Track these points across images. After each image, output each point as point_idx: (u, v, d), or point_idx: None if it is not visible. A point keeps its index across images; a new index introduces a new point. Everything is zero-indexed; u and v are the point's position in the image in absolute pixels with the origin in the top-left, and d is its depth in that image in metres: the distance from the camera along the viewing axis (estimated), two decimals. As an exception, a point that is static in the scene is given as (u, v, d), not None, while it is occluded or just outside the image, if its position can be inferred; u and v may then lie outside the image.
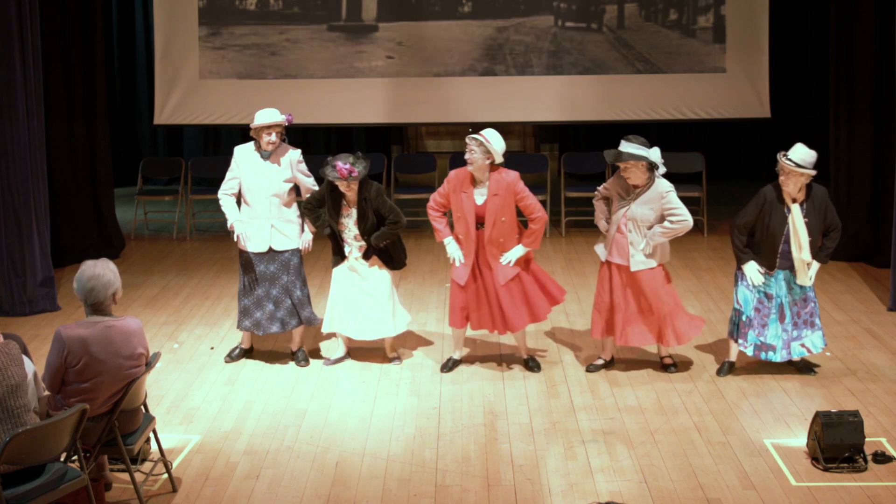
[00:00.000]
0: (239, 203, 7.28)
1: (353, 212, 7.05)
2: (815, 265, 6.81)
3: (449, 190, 6.97)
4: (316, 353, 7.60)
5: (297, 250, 7.26)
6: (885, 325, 8.09)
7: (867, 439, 5.82)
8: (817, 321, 6.98)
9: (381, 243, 7.04)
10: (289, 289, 7.23)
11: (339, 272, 7.22)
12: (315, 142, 13.62)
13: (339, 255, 7.21)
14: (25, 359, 5.36)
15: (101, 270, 5.16)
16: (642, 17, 11.59)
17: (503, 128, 7.64)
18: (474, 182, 6.90)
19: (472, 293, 7.04)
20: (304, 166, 7.27)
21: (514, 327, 7.03)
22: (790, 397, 6.68)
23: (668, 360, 7.20)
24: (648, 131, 12.51)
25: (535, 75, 11.60)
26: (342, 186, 6.93)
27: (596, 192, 7.14)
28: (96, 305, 5.16)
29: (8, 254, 8.51)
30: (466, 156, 6.83)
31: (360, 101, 11.64)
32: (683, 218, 6.76)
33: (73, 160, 10.24)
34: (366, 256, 7.11)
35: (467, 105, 11.54)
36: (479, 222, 6.91)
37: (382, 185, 7.14)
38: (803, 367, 7.08)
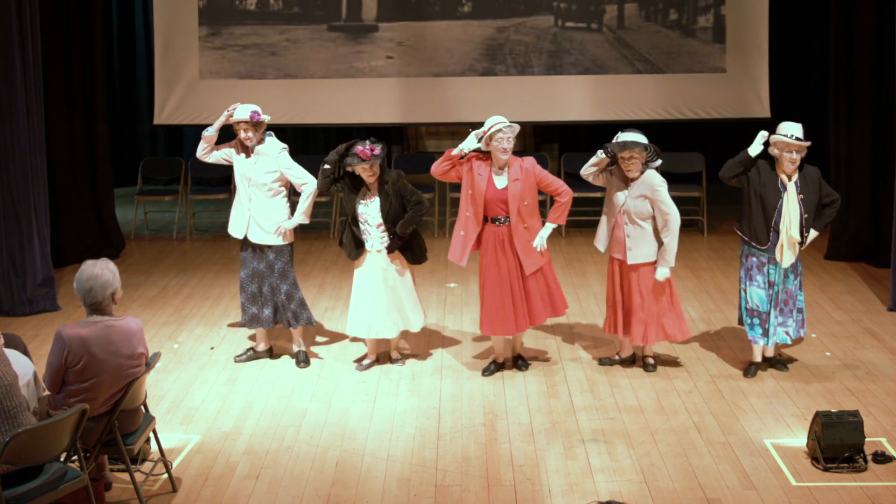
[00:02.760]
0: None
1: (376, 199, 6.95)
2: (813, 233, 6.86)
3: (465, 166, 6.89)
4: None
5: (282, 250, 7.22)
6: (885, 325, 8.08)
7: (867, 439, 5.82)
8: (797, 313, 6.99)
9: (408, 229, 6.98)
10: (274, 288, 7.25)
11: (359, 274, 7.13)
12: (315, 142, 13.62)
13: (360, 248, 7.07)
14: (25, 359, 5.37)
15: (100, 271, 5.15)
16: (642, 17, 11.59)
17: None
18: (492, 168, 6.87)
19: (506, 295, 6.93)
20: (286, 160, 7.19)
21: (536, 320, 7.02)
22: (790, 397, 6.68)
23: (649, 360, 7.20)
24: (648, 131, 12.51)
25: (535, 75, 11.60)
26: (365, 173, 6.84)
27: (599, 161, 6.93)
28: (95, 305, 5.16)
29: (8, 254, 8.51)
30: (505, 145, 6.75)
31: (360, 101, 11.63)
32: (671, 213, 6.84)
33: (73, 160, 10.24)
34: (389, 250, 7.03)
35: (467, 105, 11.53)
36: (491, 215, 6.87)
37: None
38: (777, 363, 7.10)
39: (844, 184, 9.89)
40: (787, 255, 6.77)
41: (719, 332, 7.89)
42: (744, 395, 6.74)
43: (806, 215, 6.74)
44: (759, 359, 7.08)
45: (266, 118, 7.16)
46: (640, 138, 6.81)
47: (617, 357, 7.28)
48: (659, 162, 6.87)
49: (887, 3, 9.18)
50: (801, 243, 6.79)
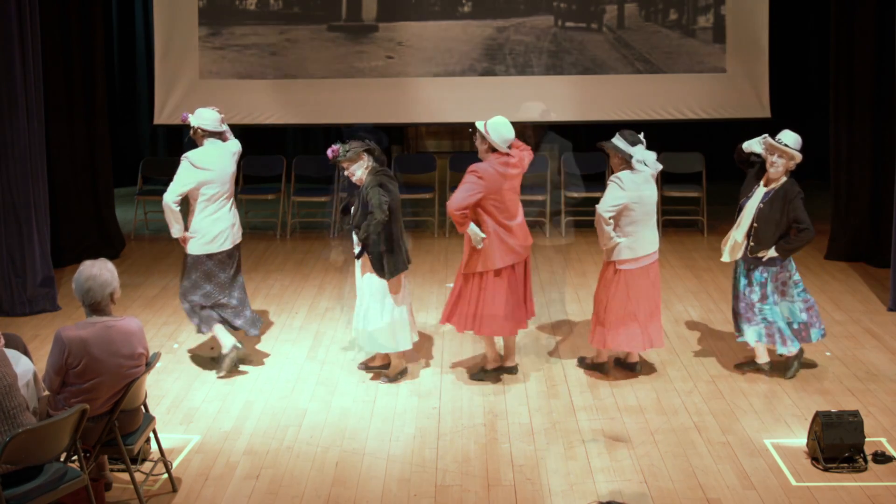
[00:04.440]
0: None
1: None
2: (772, 251, 6.69)
3: None
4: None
5: (191, 255, 7.02)
6: (885, 325, 8.09)
7: (867, 439, 5.83)
8: (761, 320, 6.89)
9: (362, 238, 6.60)
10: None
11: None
12: (315, 142, 13.62)
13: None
14: (25, 358, 5.37)
15: (98, 271, 5.15)
16: (642, 17, 11.58)
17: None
18: None
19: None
20: (179, 170, 6.85)
21: (450, 321, 6.94)
22: (790, 397, 6.68)
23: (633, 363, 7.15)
24: (648, 131, 12.53)
25: (535, 75, 11.60)
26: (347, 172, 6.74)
27: None
28: (94, 306, 5.16)
29: (8, 254, 8.51)
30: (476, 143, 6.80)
31: (360, 101, 11.63)
32: (598, 207, 6.68)
33: (73, 160, 10.24)
34: (356, 256, 6.81)
35: (467, 105, 11.51)
36: None
37: (386, 179, 6.68)
38: (782, 369, 7.03)
39: (844, 184, 9.90)
40: (725, 252, 6.82)
41: (719, 332, 7.89)
42: (744, 395, 6.74)
43: (756, 225, 6.70)
44: (761, 360, 7.04)
45: (193, 122, 6.89)
46: (618, 141, 6.71)
47: (587, 359, 7.24)
48: (654, 168, 6.73)
49: (887, 4, 9.17)
50: (751, 250, 6.73)
